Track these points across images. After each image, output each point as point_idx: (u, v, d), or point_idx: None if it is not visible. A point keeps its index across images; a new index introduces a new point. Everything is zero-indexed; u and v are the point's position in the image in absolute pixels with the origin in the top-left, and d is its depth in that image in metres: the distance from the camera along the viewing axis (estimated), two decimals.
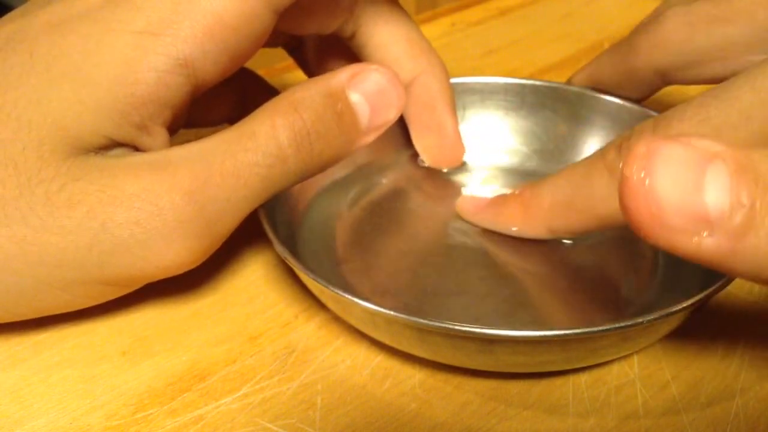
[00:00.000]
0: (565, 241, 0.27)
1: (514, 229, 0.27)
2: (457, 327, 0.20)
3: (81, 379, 0.23)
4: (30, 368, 0.24)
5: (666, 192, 0.15)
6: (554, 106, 0.31)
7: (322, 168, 0.25)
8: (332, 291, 0.21)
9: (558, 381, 0.23)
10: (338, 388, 0.23)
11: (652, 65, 0.28)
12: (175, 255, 0.23)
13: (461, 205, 0.29)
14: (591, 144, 0.31)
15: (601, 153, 0.24)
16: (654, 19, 0.28)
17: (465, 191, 0.31)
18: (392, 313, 0.21)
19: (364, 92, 0.24)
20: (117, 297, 0.24)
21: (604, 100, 0.30)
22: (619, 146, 0.24)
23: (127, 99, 0.22)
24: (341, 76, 0.24)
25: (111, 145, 0.23)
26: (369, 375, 0.23)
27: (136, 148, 0.24)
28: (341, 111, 0.24)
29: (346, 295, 0.21)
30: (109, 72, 0.22)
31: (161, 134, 0.24)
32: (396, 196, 0.30)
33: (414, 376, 0.23)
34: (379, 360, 0.24)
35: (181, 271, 0.24)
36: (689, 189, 0.15)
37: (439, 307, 0.25)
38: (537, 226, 0.26)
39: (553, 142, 0.31)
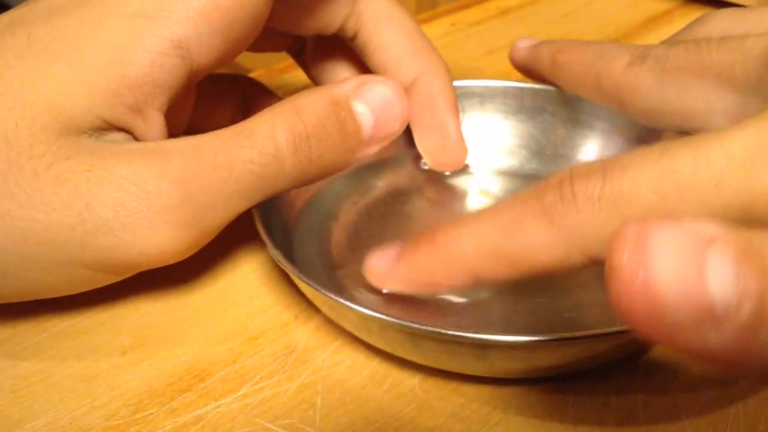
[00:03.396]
0: None
1: (433, 285, 0.23)
2: (449, 332, 0.20)
3: (81, 379, 0.23)
4: (30, 368, 0.24)
5: (665, 283, 0.13)
6: (553, 109, 0.31)
7: (321, 175, 0.25)
8: (325, 295, 0.21)
9: (557, 382, 0.23)
10: (338, 388, 0.23)
11: (617, 95, 0.28)
12: (158, 242, 0.22)
13: (369, 269, 0.24)
14: (590, 147, 0.31)
15: (535, 194, 0.20)
16: (639, 53, 0.27)
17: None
18: (385, 317, 0.21)
19: (368, 103, 0.25)
20: (105, 285, 0.24)
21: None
22: (558, 186, 0.20)
23: (120, 80, 0.22)
24: (347, 85, 0.25)
25: (106, 127, 0.23)
26: (368, 376, 0.23)
27: (133, 135, 0.24)
28: (344, 119, 0.24)
29: (339, 300, 0.21)
30: (104, 54, 0.22)
31: (157, 120, 0.24)
32: (395, 199, 0.30)
33: (413, 378, 0.23)
34: (378, 361, 0.24)
35: (167, 262, 0.23)
36: (691, 279, 0.13)
37: (436, 314, 0.25)
38: (460, 275, 0.22)
39: (553, 145, 0.31)
